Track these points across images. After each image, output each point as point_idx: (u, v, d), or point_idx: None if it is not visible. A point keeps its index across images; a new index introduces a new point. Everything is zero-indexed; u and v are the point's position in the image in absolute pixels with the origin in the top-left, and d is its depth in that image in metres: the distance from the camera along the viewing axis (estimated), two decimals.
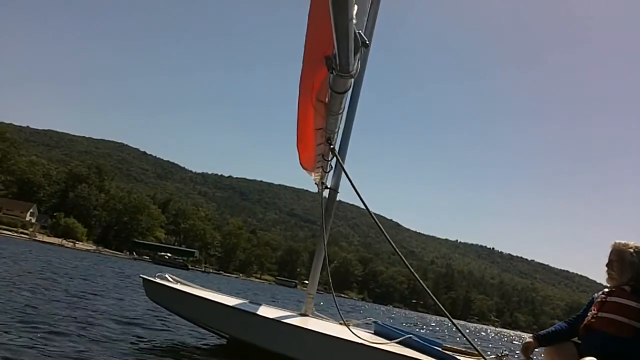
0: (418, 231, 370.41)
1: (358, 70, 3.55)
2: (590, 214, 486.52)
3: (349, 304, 50.54)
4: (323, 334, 5.26)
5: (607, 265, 4.74)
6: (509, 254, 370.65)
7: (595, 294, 4.87)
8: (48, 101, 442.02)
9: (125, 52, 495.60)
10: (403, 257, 4.61)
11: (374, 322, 6.47)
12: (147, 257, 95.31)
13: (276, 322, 5.55)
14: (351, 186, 4.98)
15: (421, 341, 5.48)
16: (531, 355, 4.84)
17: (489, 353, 6.27)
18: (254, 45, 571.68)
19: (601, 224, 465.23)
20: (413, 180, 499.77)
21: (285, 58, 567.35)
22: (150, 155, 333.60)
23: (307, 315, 6.32)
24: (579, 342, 4.68)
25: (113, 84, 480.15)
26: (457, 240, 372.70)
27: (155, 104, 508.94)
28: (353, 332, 5.45)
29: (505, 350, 6.16)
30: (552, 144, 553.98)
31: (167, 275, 6.76)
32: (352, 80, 3.67)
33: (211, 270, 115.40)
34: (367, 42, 3.34)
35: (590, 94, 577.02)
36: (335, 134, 5.01)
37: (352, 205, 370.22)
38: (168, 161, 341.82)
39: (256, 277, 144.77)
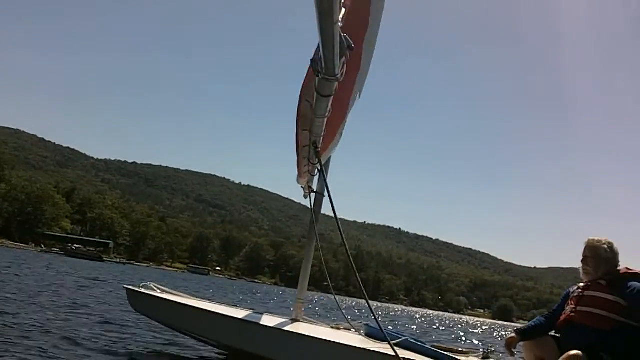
0: (326, 214, 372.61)
1: (344, 74, 3.52)
2: (493, 195, 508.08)
3: (262, 290, 50.66)
4: (321, 339, 5.24)
5: (582, 261, 4.90)
6: (415, 234, 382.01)
7: (570, 289, 5.04)
8: None
9: (16, 28, 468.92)
10: (348, 251, 4.75)
11: (365, 324, 6.41)
12: (57, 249, 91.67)
13: (270, 329, 5.54)
14: (327, 193, 4.98)
15: (417, 342, 5.50)
16: (514, 350, 5.01)
17: (474, 350, 6.67)
18: (158, 26, 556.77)
19: (502, 206, 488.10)
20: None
21: (189, 44, 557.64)
22: (49, 141, 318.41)
23: (299, 320, 6.27)
24: (557, 335, 4.87)
25: (5, 65, 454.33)
26: (365, 222, 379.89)
27: (53, 87, 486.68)
28: (371, 337, 5.55)
29: (490, 347, 6.36)
30: (455, 130, 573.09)
31: (152, 285, 6.66)
32: (337, 83, 3.62)
33: (133, 262, 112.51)
34: (353, 45, 3.30)
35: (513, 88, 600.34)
36: (321, 138, 4.97)
37: (261, 189, 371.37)
38: (68, 147, 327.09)
39: (167, 266, 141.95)
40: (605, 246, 4.81)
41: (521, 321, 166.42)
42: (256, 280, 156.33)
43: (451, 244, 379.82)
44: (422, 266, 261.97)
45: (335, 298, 8.31)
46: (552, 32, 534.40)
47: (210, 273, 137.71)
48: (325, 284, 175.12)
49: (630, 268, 4.72)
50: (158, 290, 6.59)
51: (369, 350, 5.00)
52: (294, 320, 6.19)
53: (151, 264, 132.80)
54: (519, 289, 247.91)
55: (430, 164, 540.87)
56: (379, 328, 5.90)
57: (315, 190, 6.55)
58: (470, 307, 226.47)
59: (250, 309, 7.42)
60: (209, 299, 7.46)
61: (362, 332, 6.22)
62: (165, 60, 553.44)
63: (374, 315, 4.47)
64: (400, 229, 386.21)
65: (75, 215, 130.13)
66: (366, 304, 4.35)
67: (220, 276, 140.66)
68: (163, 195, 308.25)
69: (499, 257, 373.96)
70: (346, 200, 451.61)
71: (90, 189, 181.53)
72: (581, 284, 4.90)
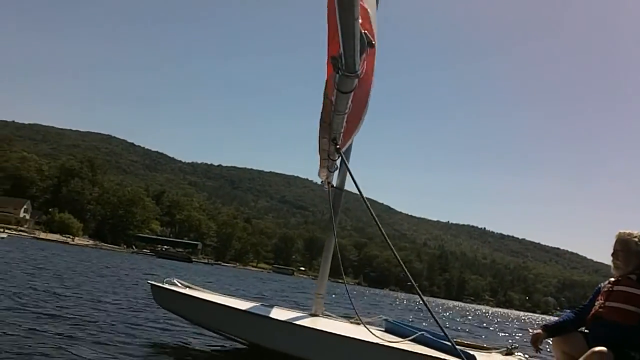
0: (409, 214, 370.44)
1: (364, 70, 3.55)
2: (579, 193, 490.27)
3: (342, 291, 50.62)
4: (337, 335, 5.26)
5: (612, 255, 4.77)
6: (500, 234, 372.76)
7: (601, 284, 4.89)
8: (32, 95, 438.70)
9: (106, 41, 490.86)
10: (390, 243, 4.39)
11: (384, 319, 6.37)
12: (147, 251, 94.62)
13: (288, 324, 5.54)
14: (355, 187, 4.89)
15: (434, 338, 5.39)
16: (540, 346, 4.92)
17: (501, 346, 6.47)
18: (242, 34, 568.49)
19: (590, 203, 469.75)
20: (404, 163, 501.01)
21: (273, 49, 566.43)
22: (139, 146, 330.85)
23: (318, 316, 6.26)
24: (587, 331, 4.73)
25: (97, 75, 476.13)
26: (448, 222, 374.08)
27: (141, 94, 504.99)
28: (370, 331, 5.51)
29: (515, 344, 6.22)
30: (538, 128, 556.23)
31: (175, 281, 6.72)
32: (358, 80, 3.62)
33: (220, 263, 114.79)
34: (373, 42, 3.35)
35: (575, 78, 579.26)
36: (341, 134, 4.95)
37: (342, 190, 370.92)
38: (156, 152, 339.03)
39: (253, 266, 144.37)
40: (636, 239, 4.68)
41: None
42: (339, 281, 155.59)
43: (538, 244, 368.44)
44: (508, 266, 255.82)
45: (347, 290, 8.20)
46: (600, 19, 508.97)
47: (295, 273, 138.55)
48: (409, 283, 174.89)
49: None
50: (181, 286, 6.65)
51: (383, 345, 5.03)
52: (313, 316, 6.20)
53: (237, 264, 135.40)
54: None
55: (515, 162, 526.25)
56: (397, 323, 6.01)
57: (334, 185, 6.56)
58: (558, 308, 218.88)
59: (275, 304, 7.33)
60: (232, 295, 7.41)
61: (381, 327, 6.21)
62: (248, 64, 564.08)
63: (432, 315, 4.10)
64: (484, 228, 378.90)
65: (164, 217, 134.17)
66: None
67: (304, 276, 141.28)
68: (248, 197, 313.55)
69: (588, 257, 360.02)
70: (428, 199, 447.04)
71: (177, 191, 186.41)
72: (612, 279, 4.77)
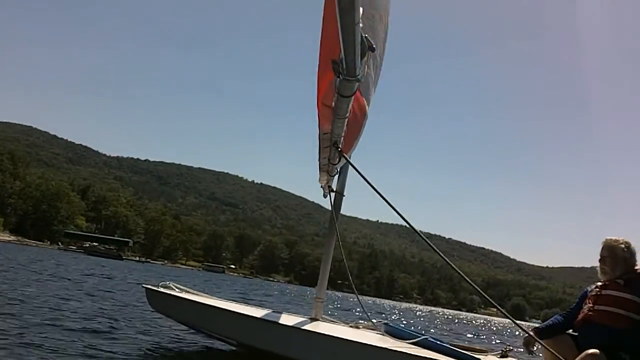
0: (340, 213, 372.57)
1: (365, 74, 3.59)
2: (505, 194, 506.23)
3: (275, 288, 51.60)
4: (340, 338, 5.22)
5: (599, 260, 4.93)
6: (428, 233, 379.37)
7: (588, 288, 5.07)
8: None
9: (28, 25, 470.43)
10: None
11: (384, 323, 6.40)
12: (74, 247, 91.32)
13: (290, 328, 5.55)
14: (367, 183, 5.03)
15: (437, 341, 5.45)
16: (532, 349, 5.06)
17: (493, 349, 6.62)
18: (172, 25, 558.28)
19: (515, 205, 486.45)
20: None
21: (204, 41, 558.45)
22: (62, 138, 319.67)
23: (318, 319, 6.19)
24: (575, 334, 4.89)
25: (17, 62, 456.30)
26: (377, 221, 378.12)
27: (64, 84, 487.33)
28: (391, 336, 5.58)
29: (509, 345, 6.33)
30: (467, 129, 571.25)
31: (171, 284, 6.71)
32: (358, 84, 3.64)
33: (149, 260, 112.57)
34: (374, 46, 3.38)
35: (506, 84, 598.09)
36: (342, 137, 4.96)
37: (274, 188, 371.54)
38: (80, 145, 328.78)
39: (182, 264, 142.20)
40: (623, 246, 4.84)
41: (534, 320, 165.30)
42: (270, 279, 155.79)
43: (464, 243, 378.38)
44: (435, 265, 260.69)
45: (357, 297, 7.99)
46: (570, 29, 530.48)
47: (226, 271, 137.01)
48: (340, 282, 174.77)
49: None
50: (177, 290, 6.63)
51: (388, 349, 5.00)
52: (313, 319, 6.13)
53: (166, 261, 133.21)
54: (531, 288, 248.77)
55: (442, 162, 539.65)
56: (397, 327, 6.11)
57: (335, 189, 6.51)
58: (483, 306, 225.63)
59: (270, 307, 7.37)
60: (227, 298, 7.49)
61: (381, 331, 6.17)
62: (177, 57, 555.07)
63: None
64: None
65: (90, 212, 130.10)
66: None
67: (235, 274, 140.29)
68: (175, 193, 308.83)
69: (512, 257, 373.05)
70: (358, 198, 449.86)
71: (102, 186, 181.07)
72: (599, 283, 4.93)
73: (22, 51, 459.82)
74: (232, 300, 7.18)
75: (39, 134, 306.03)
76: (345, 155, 5.31)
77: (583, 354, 4.35)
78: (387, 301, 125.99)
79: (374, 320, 6.76)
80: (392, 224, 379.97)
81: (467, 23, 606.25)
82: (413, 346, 5.16)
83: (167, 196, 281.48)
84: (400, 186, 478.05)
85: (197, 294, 6.71)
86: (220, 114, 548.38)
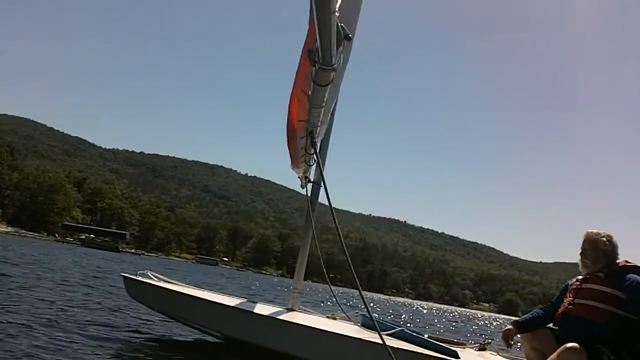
0: (333, 206, 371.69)
1: (340, 63, 3.57)
2: (498, 189, 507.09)
3: (268, 282, 51.28)
4: (317, 329, 5.27)
5: (580, 254, 4.92)
6: (420, 227, 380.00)
7: (569, 281, 5.08)
8: None
9: (23, 15, 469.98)
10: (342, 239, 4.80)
11: (361, 315, 6.39)
12: (71, 239, 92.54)
13: (266, 318, 5.57)
14: (322, 183, 5.10)
15: (413, 333, 5.51)
16: (511, 342, 5.12)
17: (471, 342, 6.86)
18: (168, 19, 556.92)
19: (508, 199, 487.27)
20: (328, 157, 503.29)
21: (199, 35, 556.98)
22: (58, 130, 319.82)
23: (295, 310, 6.28)
24: (555, 327, 4.93)
25: (11, 54, 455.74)
26: (370, 214, 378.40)
27: (60, 75, 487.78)
28: (367, 327, 5.67)
29: (488, 339, 6.36)
30: (459, 124, 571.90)
31: (149, 273, 6.71)
32: (334, 73, 3.62)
33: (144, 252, 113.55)
34: (350, 35, 3.33)
35: (496, 78, 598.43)
36: (318, 127, 4.99)
37: (267, 181, 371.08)
38: (76, 137, 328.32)
39: (175, 256, 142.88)
40: (604, 239, 4.84)
41: None
42: (263, 271, 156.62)
43: (456, 238, 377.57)
44: (428, 259, 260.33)
45: (330, 287, 8.37)
46: (557, 22, 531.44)
47: (219, 263, 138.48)
48: (332, 275, 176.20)
49: (630, 261, 4.76)
50: (155, 279, 6.61)
51: (363, 340, 5.05)
52: (290, 310, 6.23)
53: (160, 254, 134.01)
54: (524, 284, 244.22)
55: (435, 156, 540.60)
56: (375, 318, 5.85)
57: (312, 180, 6.57)
58: (475, 301, 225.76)
59: (248, 298, 7.50)
60: (206, 288, 7.42)
61: (358, 322, 6.28)
62: (171, 49, 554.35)
63: (365, 305, 4.42)
64: (405, 221, 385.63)
65: (86, 204, 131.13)
66: (360, 294, 4.27)
67: (228, 267, 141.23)
68: (169, 186, 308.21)
69: (505, 251, 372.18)
70: (351, 192, 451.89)
71: (98, 178, 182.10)
72: (580, 277, 4.93)
73: (19, 43, 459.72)
74: (211, 290, 7.16)
75: (36, 126, 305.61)
76: (316, 149, 5.33)
77: (562, 347, 4.34)
78: (377, 295, 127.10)
79: (357, 312, 6.84)
80: (384, 218, 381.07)
81: (449, 17, 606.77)
82: (388, 337, 5.08)
83: (161, 188, 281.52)
84: (393, 180, 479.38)
85: (175, 283, 6.69)
86: (214, 106, 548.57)
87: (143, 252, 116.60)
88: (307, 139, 5.18)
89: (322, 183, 5.54)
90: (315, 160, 5.95)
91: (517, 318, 5.44)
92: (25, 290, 9.34)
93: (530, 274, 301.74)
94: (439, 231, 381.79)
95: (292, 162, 5.88)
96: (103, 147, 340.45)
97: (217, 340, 6.52)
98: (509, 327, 5.15)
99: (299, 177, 6.82)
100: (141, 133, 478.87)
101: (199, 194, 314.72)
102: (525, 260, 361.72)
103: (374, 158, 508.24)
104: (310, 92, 4.12)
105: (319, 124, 4.85)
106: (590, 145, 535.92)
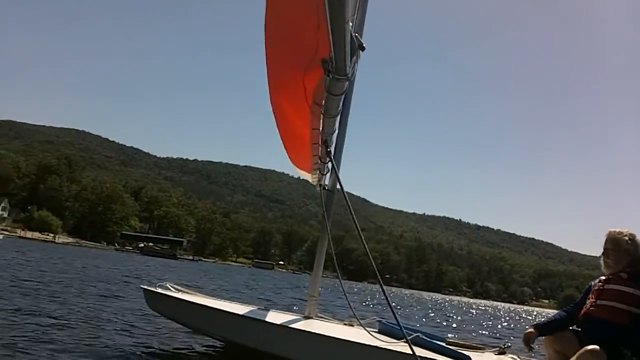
0: (386, 206, 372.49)
1: (354, 73, 3.61)
2: (554, 184, 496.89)
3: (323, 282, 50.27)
4: (332, 337, 5.18)
5: (603, 253, 4.81)
6: (476, 225, 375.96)
7: (592, 282, 4.95)
8: (3, 91, 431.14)
9: (79, 35, 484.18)
10: (363, 239, 4.70)
11: (378, 321, 6.28)
12: (130, 248, 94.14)
13: (283, 327, 5.47)
14: (341, 190, 5.08)
15: (429, 339, 5.38)
16: (532, 345, 4.97)
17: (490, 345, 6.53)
18: (214, 30, 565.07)
19: (565, 194, 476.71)
20: (380, 156, 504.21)
21: (245, 46, 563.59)
22: (113, 141, 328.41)
23: (311, 318, 6.16)
24: (578, 330, 4.77)
25: (68, 70, 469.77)
26: (424, 214, 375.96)
27: (114, 88, 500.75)
28: (370, 334, 5.51)
29: (507, 342, 6.14)
30: (513, 121, 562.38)
31: (168, 285, 6.70)
32: (348, 82, 3.65)
33: (201, 259, 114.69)
34: (364, 45, 3.39)
35: (553, 70, 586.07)
36: (332, 136, 5.02)
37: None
38: (131, 147, 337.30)
39: (232, 261, 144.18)
40: (627, 238, 4.71)
41: None
42: (322, 275, 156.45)
43: (513, 234, 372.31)
44: (484, 257, 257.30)
45: (343, 289, 7.92)
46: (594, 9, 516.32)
47: (275, 267, 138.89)
48: (387, 276, 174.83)
49: None
50: (174, 290, 6.59)
51: (377, 347, 4.98)
52: (307, 318, 6.11)
53: (217, 259, 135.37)
54: (584, 278, 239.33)
55: (489, 154, 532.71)
56: (391, 324, 5.79)
57: (326, 187, 6.42)
58: (534, 298, 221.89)
59: (267, 307, 7.40)
60: (224, 298, 7.44)
61: (375, 329, 6.10)
62: (219, 58, 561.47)
63: (392, 310, 4.43)
64: (460, 219, 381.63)
65: (143, 213, 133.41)
66: (384, 295, 4.32)
67: (284, 270, 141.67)
68: (223, 192, 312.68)
69: (563, 247, 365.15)
70: (404, 192, 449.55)
71: (154, 187, 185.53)
72: (602, 277, 4.81)
73: (74, 59, 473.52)
74: (229, 300, 7.11)
75: (92, 137, 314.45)
76: (333, 159, 5.37)
77: (582, 349, 4.26)
78: (434, 294, 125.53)
79: (375, 318, 6.68)
80: (438, 217, 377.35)
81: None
82: (404, 344, 4.96)
83: (215, 195, 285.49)
84: (447, 178, 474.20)
85: (194, 294, 6.72)
86: (265, 112, 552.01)
87: (200, 258, 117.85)
88: (322, 148, 5.16)
89: (339, 187, 5.58)
90: (329, 169, 6.07)
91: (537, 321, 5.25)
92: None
93: (590, 268, 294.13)
94: (495, 228, 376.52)
95: (300, 168, 6.40)
96: (158, 155, 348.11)
97: (234, 350, 6.32)
98: (530, 329, 4.99)
99: (313, 184, 6.90)
100: (194, 141, 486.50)
101: (252, 198, 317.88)
102: (585, 255, 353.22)
103: (427, 158, 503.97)
104: (323, 102, 4.10)
105: (333, 132, 4.89)
106: None
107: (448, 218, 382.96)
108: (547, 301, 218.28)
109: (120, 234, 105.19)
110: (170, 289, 6.59)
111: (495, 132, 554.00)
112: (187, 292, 6.68)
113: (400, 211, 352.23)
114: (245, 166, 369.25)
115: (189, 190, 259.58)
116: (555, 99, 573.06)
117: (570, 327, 4.86)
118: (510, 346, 5.91)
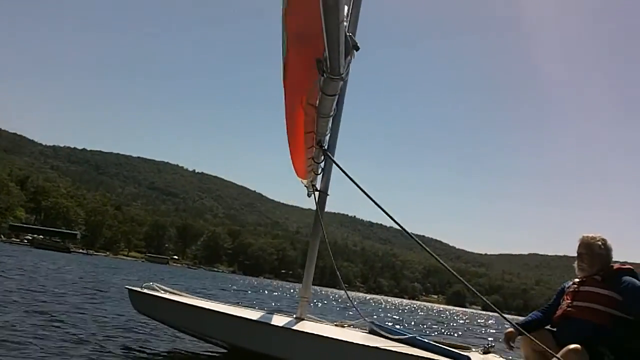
0: (282, 201, 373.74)
1: (349, 73, 3.65)
2: (446, 183, 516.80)
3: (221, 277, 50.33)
4: (327, 338, 5.20)
5: (577, 257, 5.07)
6: (369, 222, 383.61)
7: (565, 284, 5.21)
8: None
9: None
10: (429, 250, 4.74)
11: (370, 321, 6.32)
12: (17, 240, 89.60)
13: (277, 328, 5.52)
14: (351, 181, 5.09)
15: (424, 340, 5.40)
16: (513, 344, 5.18)
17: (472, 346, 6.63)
18: (110, 11, 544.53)
19: (454, 192, 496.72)
20: (275, 150, 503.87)
21: (146, 27, 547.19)
22: None
23: (303, 319, 6.13)
24: (553, 329, 5.01)
25: None
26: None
27: None
28: (377, 335, 5.58)
29: (492, 343, 6.36)
30: (418, 117, 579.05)
31: (154, 285, 6.65)
32: (342, 82, 3.68)
33: (93, 252, 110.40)
34: (358, 45, 3.43)
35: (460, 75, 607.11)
36: (325, 136, 5.08)
37: (215, 177, 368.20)
38: (15, 133, 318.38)
39: (124, 255, 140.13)
40: (600, 242, 4.98)
41: (474, 306, 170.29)
42: (214, 269, 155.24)
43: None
44: (377, 254, 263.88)
45: (347, 295, 8.20)
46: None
47: (169, 262, 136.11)
48: (284, 271, 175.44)
49: (624, 263, 4.91)
50: (161, 291, 6.56)
51: (376, 347, 4.98)
52: (299, 319, 6.07)
53: (108, 253, 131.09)
54: (471, 275, 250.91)
55: (383, 150, 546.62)
56: (381, 325, 5.93)
57: (319, 188, 6.44)
58: (424, 293, 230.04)
59: (255, 307, 7.49)
60: (211, 298, 7.53)
61: (366, 329, 6.17)
62: (117, 44, 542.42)
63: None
64: (354, 216, 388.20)
65: (29, 203, 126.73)
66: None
67: (179, 265, 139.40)
68: (114, 183, 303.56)
69: (451, 244, 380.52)
70: (299, 187, 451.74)
71: (39, 176, 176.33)
72: (576, 280, 5.06)
73: None
74: (217, 300, 7.08)
75: None
76: (330, 155, 5.42)
77: (564, 349, 4.44)
78: (330, 289, 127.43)
79: (365, 319, 6.69)
80: (334, 213, 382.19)
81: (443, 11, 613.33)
82: (401, 344, 5.16)
83: (105, 186, 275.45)
84: (344, 175, 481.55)
85: (182, 295, 6.70)
86: (160, 102, 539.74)
87: (92, 251, 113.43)
88: (316, 149, 5.23)
89: (330, 191, 5.84)
90: (322, 169, 6.16)
91: (519, 320, 5.38)
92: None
93: (476, 265, 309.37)
94: (388, 225, 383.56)
95: (297, 172, 6.25)
96: (43, 143, 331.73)
97: (226, 352, 6.41)
98: (510, 329, 5.15)
99: (305, 186, 6.89)
100: (83, 129, 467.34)
101: (145, 191, 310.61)
102: (471, 253, 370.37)
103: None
104: (317, 102, 4.13)
105: (327, 132, 4.92)
106: (546, 139, 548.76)
107: (343, 214, 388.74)
108: (436, 296, 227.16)
109: (9, 226, 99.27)
110: (157, 290, 6.54)
111: (394, 129, 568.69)
112: (175, 293, 6.64)
113: (296, 207, 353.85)
114: (138, 157, 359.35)
115: (77, 180, 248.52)
116: (466, 102, 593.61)
117: (546, 327, 5.07)
118: (494, 346, 6.02)
